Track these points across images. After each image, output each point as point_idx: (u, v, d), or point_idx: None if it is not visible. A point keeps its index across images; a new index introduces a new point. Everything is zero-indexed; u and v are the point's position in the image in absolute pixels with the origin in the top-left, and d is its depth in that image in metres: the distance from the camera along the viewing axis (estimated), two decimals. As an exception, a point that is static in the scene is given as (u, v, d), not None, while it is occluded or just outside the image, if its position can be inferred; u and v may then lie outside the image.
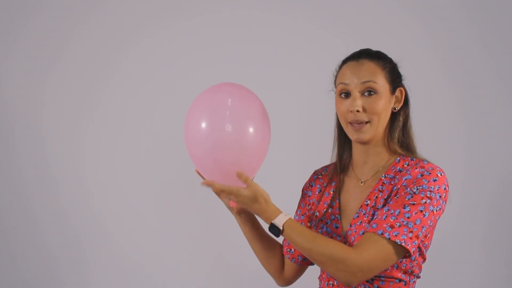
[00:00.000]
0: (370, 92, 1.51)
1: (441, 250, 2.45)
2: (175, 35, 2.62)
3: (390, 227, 1.39)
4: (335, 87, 1.59)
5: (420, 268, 1.53)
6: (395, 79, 1.56)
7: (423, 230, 1.41)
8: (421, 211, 1.40)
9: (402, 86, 1.58)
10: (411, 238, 1.39)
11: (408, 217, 1.40)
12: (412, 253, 1.41)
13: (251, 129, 1.51)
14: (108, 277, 2.63)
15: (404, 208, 1.41)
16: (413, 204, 1.41)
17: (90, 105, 2.63)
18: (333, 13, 2.59)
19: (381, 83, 1.52)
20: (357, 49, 1.61)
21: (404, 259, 1.47)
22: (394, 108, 1.56)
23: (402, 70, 1.60)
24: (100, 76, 2.64)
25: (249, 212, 1.69)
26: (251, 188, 1.44)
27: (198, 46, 2.61)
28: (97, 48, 2.64)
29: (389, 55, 1.60)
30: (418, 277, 1.54)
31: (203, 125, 1.50)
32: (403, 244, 1.38)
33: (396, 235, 1.38)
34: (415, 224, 1.39)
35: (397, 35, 2.54)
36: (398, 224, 1.39)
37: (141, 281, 2.62)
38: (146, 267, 2.62)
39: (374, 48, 1.61)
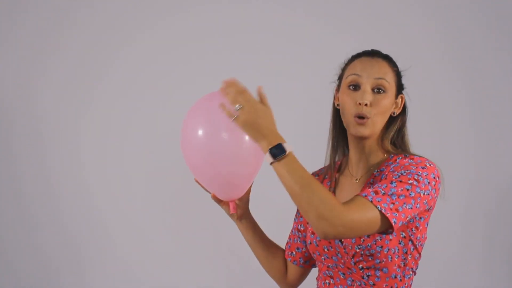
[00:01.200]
0: (379, 89, 1.52)
1: (441, 250, 2.46)
2: (177, 38, 2.64)
3: (374, 192, 1.38)
4: (342, 79, 1.59)
5: (416, 264, 1.53)
6: (400, 84, 1.60)
7: (405, 207, 1.38)
8: (408, 189, 1.39)
9: (403, 94, 1.61)
10: (391, 209, 1.36)
11: (393, 191, 1.39)
12: (393, 228, 1.37)
13: (247, 136, 1.51)
14: (107, 278, 2.63)
15: (391, 184, 1.40)
16: (400, 181, 1.40)
17: (90, 105, 2.64)
18: (331, 17, 2.62)
19: (391, 83, 1.54)
20: (354, 51, 1.62)
21: (397, 251, 1.46)
22: (393, 113, 1.57)
23: (405, 71, 1.62)
24: (100, 76, 2.64)
25: (250, 217, 1.71)
26: (267, 106, 1.40)
27: (198, 45, 2.63)
28: (97, 48, 2.64)
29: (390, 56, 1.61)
30: (414, 273, 1.54)
31: (199, 134, 1.51)
32: (383, 211, 1.35)
33: (378, 201, 1.36)
34: (398, 198, 1.38)
35: (397, 35, 2.56)
36: (382, 192, 1.38)
37: (141, 282, 2.62)
38: (146, 268, 2.62)
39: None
